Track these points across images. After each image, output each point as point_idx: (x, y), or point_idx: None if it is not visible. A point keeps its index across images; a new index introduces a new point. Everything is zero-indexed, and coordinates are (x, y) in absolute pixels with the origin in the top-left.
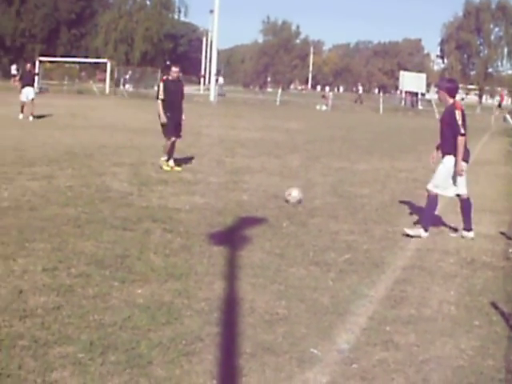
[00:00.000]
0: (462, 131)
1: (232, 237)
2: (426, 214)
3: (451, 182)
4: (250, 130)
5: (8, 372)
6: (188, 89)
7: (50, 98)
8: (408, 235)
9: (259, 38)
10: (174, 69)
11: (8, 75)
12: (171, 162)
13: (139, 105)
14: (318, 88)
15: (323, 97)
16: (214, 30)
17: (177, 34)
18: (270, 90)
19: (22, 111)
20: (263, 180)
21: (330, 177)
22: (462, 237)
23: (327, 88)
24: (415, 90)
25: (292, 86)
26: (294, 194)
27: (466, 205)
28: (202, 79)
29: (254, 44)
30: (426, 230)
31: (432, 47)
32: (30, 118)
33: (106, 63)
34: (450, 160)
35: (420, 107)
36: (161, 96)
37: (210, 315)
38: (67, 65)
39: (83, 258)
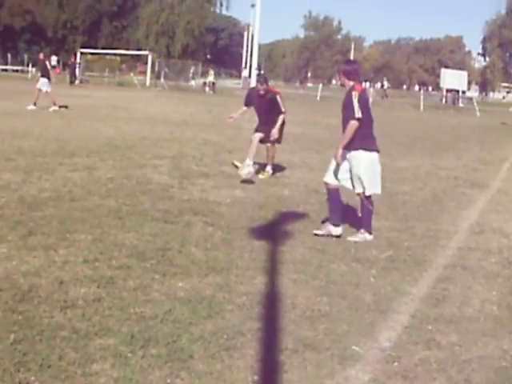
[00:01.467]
0: (357, 115)
1: (273, 231)
2: (331, 209)
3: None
4: (291, 125)
5: (48, 363)
6: (229, 82)
7: (91, 89)
8: (316, 235)
9: (300, 33)
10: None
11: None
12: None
13: (179, 98)
14: None
15: None
16: (256, 24)
17: (218, 28)
18: (310, 85)
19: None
20: (304, 175)
21: None
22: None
23: (367, 84)
24: (456, 88)
25: (333, 82)
26: None
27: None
28: (242, 73)
29: (296, 39)
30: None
31: (474, 45)
32: (51, 109)
33: (147, 55)
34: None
35: (461, 105)
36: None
37: (251, 310)
38: (108, 57)
39: (124, 249)
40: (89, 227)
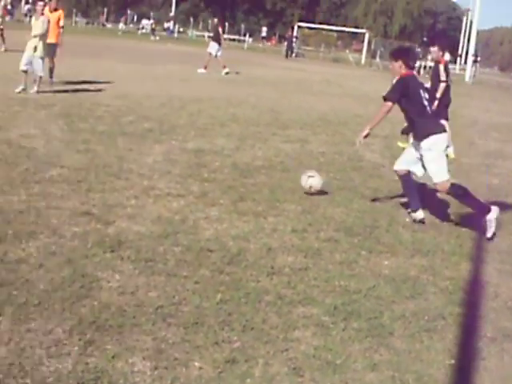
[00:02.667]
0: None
1: (480, 220)
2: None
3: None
4: (504, 115)
5: (252, 325)
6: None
7: (306, 63)
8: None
9: None
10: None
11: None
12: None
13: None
14: None
15: None
16: (476, 9)
17: (437, 11)
18: None
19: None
20: None
21: None
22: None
23: None
24: None
25: None
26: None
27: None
28: (458, 58)
29: None
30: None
31: None
32: (223, 73)
33: (363, 34)
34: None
35: None
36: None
37: (453, 295)
38: (325, 32)
39: (332, 223)
40: (298, 198)
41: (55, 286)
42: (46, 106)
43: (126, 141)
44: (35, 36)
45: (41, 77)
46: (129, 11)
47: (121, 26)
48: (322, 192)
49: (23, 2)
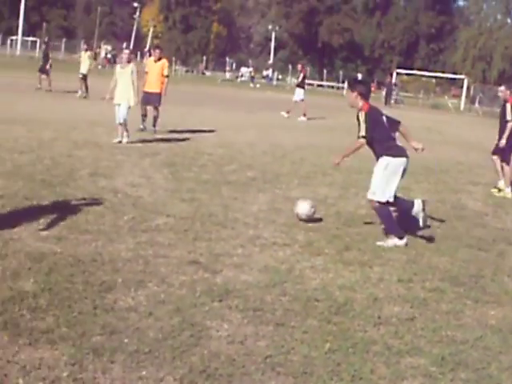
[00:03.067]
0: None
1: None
2: (385, 222)
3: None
4: None
5: (361, 375)
6: None
7: (405, 110)
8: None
9: None
10: None
11: None
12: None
13: (494, 124)
14: None
15: None
16: None
17: None
18: None
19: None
20: None
21: None
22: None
23: None
24: None
25: None
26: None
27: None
28: None
29: None
30: (400, 238)
31: None
32: (302, 119)
33: (462, 79)
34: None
35: None
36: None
37: None
38: (423, 78)
39: (437, 272)
40: (403, 247)
41: (165, 334)
42: (150, 155)
43: (230, 189)
44: (123, 86)
45: (121, 123)
46: (227, 59)
47: (228, 75)
48: (425, 240)
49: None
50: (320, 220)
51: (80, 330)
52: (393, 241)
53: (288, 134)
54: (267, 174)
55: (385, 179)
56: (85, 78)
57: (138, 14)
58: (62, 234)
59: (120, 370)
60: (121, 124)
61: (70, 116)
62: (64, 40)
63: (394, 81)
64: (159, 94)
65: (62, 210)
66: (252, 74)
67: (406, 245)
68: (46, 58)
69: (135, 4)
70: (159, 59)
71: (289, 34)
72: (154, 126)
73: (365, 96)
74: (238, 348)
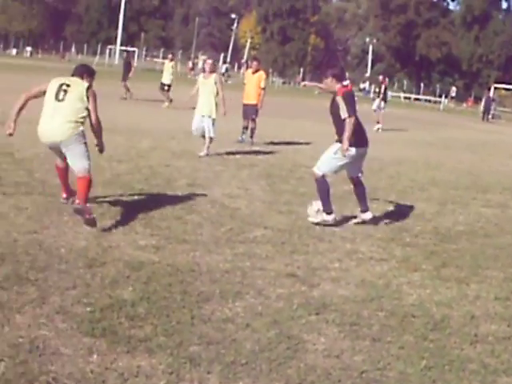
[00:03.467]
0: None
1: None
2: (321, 197)
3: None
4: None
5: None
6: None
7: (503, 125)
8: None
9: None
10: None
11: None
12: None
13: None
14: None
15: None
16: None
17: None
18: None
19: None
20: None
21: None
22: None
23: None
24: None
25: None
26: None
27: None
28: None
29: None
30: (328, 213)
31: None
32: (375, 128)
33: None
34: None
35: None
36: None
37: None
38: None
39: None
40: (501, 265)
41: (262, 346)
42: (248, 166)
43: None
44: (205, 98)
45: (211, 138)
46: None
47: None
48: None
49: (221, 62)
50: (417, 235)
51: (177, 339)
52: (322, 216)
53: (385, 147)
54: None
55: (331, 159)
56: (168, 87)
57: (235, 25)
58: (161, 244)
59: (216, 380)
60: (210, 138)
61: (168, 125)
62: (162, 50)
63: (491, 96)
64: (256, 106)
65: (160, 219)
66: None
67: (335, 219)
68: (127, 66)
69: (233, 15)
70: (257, 71)
71: (386, 47)
72: (252, 137)
73: (339, 78)
74: (334, 362)
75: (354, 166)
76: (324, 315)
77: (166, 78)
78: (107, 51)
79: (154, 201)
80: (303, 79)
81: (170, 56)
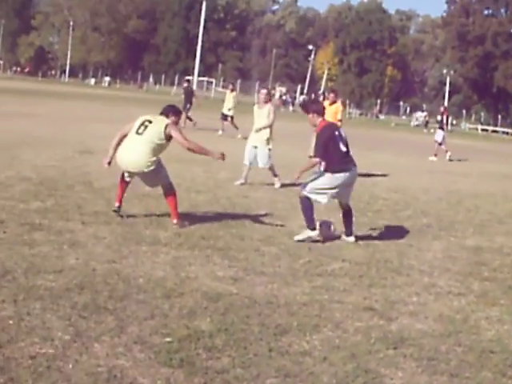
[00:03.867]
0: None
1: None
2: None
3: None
4: None
5: None
6: None
7: None
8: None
9: None
10: None
11: None
12: None
13: None
14: None
15: None
16: None
17: None
18: None
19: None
20: None
21: None
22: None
23: None
24: None
25: None
26: None
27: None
28: None
29: None
30: (312, 229)
31: None
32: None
33: None
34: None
35: None
36: None
37: None
38: None
39: None
40: None
41: (339, 380)
42: None
43: (405, 236)
44: (260, 128)
45: (270, 168)
46: (401, 103)
47: (413, 122)
48: None
49: (298, 92)
50: (495, 270)
51: (255, 371)
52: (307, 232)
53: (462, 180)
54: (442, 221)
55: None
56: (231, 118)
57: (312, 56)
58: (238, 275)
59: None
60: (270, 168)
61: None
62: (239, 81)
63: None
64: None
65: (238, 250)
66: (427, 118)
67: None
68: (189, 96)
69: (310, 47)
70: (334, 102)
71: (463, 79)
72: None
73: (320, 113)
74: None
75: (344, 191)
76: (402, 349)
77: (227, 109)
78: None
79: (232, 232)
80: (380, 111)
81: (230, 86)
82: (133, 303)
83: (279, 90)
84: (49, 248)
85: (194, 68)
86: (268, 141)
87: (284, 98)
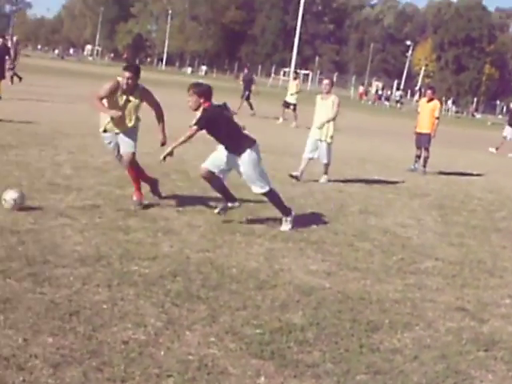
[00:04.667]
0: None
1: None
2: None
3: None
4: None
5: None
6: None
7: None
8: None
9: None
10: None
11: None
12: None
13: None
14: None
15: None
16: None
17: None
18: None
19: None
20: None
21: None
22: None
23: None
24: None
25: None
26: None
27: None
28: None
29: None
30: (287, 215)
31: None
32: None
33: None
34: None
35: None
36: None
37: None
38: None
39: None
40: None
41: (428, 379)
42: (420, 196)
43: (499, 237)
44: (324, 122)
45: (326, 164)
46: (498, 102)
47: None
48: None
49: (394, 88)
50: None
51: (345, 367)
52: (286, 219)
53: None
54: None
55: (258, 170)
56: (294, 107)
57: (410, 52)
58: (332, 270)
59: None
60: (326, 165)
61: (340, 151)
62: (336, 74)
63: None
64: (429, 135)
65: (332, 245)
66: None
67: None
68: (248, 84)
69: (408, 42)
70: (431, 100)
71: None
72: (424, 166)
73: (206, 96)
74: None
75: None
76: (493, 352)
77: (290, 97)
78: (281, 73)
79: (326, 226)
80: (476, 109)
81: (293, 75)
82: (225, 293)
83: (376, 84)
84: (143, 235)
85: (290, 60)
86: (332, 136)
87: (380, 93)
